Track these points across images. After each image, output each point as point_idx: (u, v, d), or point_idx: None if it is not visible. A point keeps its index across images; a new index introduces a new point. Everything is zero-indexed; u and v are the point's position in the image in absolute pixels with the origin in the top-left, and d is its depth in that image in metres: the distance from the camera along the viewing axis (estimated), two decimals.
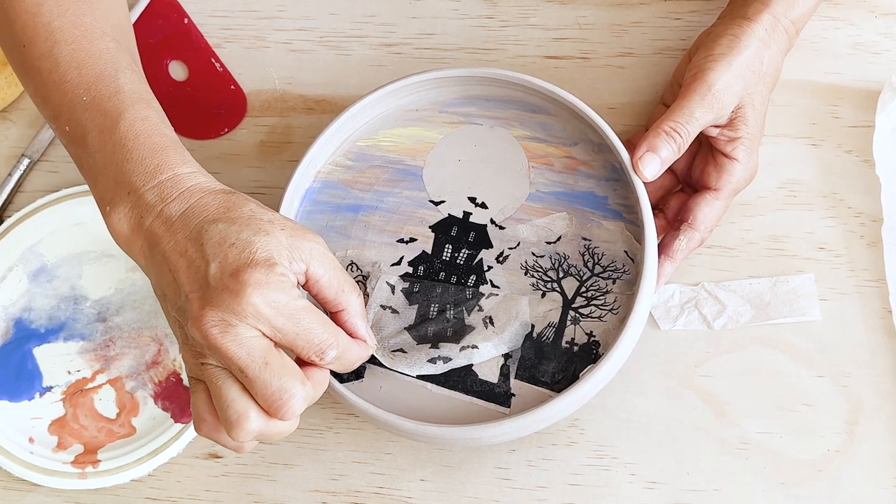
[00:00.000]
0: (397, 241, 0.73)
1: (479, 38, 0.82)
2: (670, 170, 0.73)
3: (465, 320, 0.70)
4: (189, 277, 0.59)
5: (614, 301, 0.70)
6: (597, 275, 0.70)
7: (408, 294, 0.71)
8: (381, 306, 0.71)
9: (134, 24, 0.83)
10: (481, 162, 0.74)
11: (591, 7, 0.81)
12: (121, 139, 0.62)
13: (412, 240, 0.73)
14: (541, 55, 0.81)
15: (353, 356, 0.63)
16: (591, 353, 0.69)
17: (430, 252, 0.73)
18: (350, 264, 0.73)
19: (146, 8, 0.83)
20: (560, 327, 0.70)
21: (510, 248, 0.72)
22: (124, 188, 0.62)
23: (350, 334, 0.64)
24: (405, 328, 0.70)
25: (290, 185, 0.72)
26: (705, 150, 0.73)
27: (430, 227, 0.73)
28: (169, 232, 0.60)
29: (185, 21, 0.83)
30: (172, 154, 0.63)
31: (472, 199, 0.73)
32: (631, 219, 0.71)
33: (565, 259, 0.71)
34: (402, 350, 0.70)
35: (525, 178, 0.73)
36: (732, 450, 0.73)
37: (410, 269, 0.72)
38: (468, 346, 0.69)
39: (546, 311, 0.70)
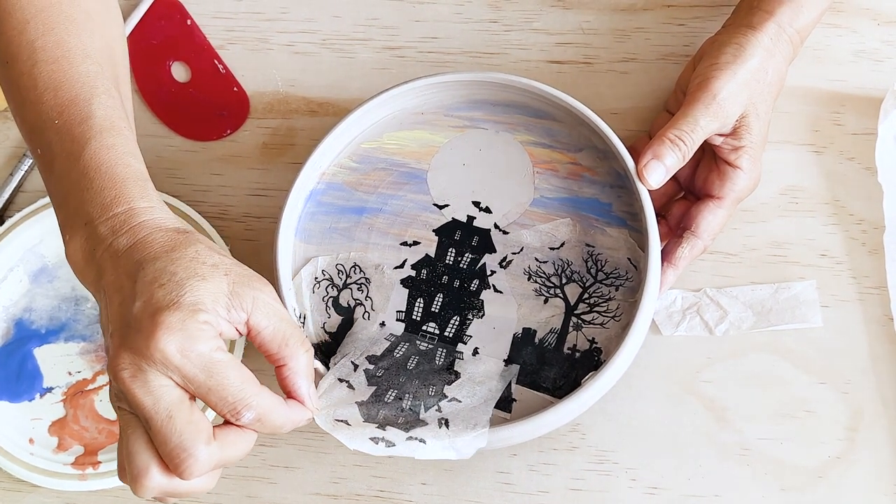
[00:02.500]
0: (401, 244, 0.73)
1: (482, 42, 0.82)
2: (673, 177, 0.73)
3: (420, 415, 0.66)
4: (116, 314, 0.57)
5: (617, 308, 0.70)
6: (600, 281, 0.70)
7: (369, 376, 0.68)
8: (339, 379, 0.67)
9: (137, 26, 0.83)
10: (486, 166, 0.74)
11: (594, 12, 0.81)
12: (84, 168, 0.61)
13: (416, 243, 0.73)
14: (544, 60, 0.81)
15: (278, 419, 0.58)
16: (592, 360, 0.69)
17: (433, 256, 0.73)
18: (353, 266, 0.73)
19: (149, 9, 0.83)
20: (562, 333, 0.70)
21: (513, 254, 0.72)
22: (82, 218, 0.60)
23: (288, 393, 0.60)
24: (356, 402, 0.66)
25: (294, 186, 0.72)
26: (709, 159, 0.73)
27: (433, 230, 0.73)
28: (113, 266, 0.58)
29: (188, 22, 0.83)
30: (132, 186, 0.61)
31: (477, 204, 0.73)
32: (635, 226, 0.71)
33: (568, 265, 0.71)
34: (346, 422, 0.64)
35: (529, 184, 0.73)
36: (733, 456, 0.73)
37: (413, 273, 0.72)
38: (415, 438, 0.64)
39: (548, 316, 0.71)
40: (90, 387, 0.78)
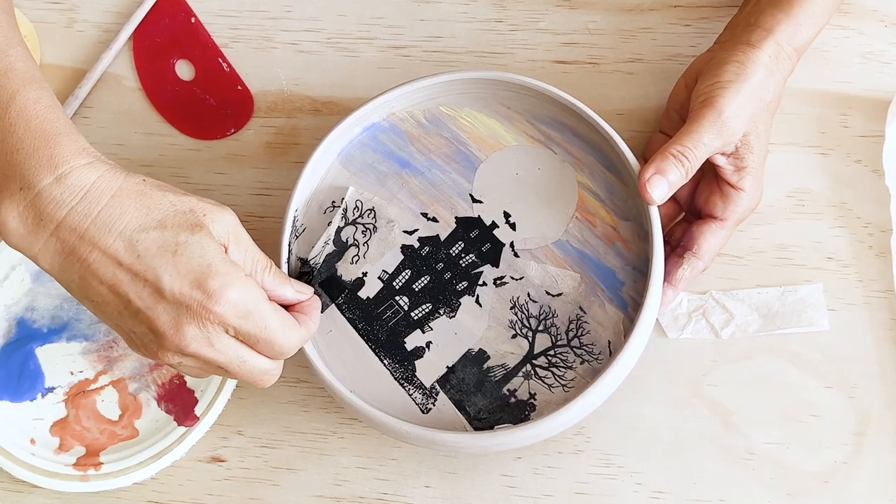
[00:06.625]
0: (421, 213, 0.73)
1: (487, 41, 0.81)
2: (673, 198, 0.73)
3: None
4: (138, 294, 0.58)
5: (572, 379, 0.69)
6: (572, 347, 0.70)
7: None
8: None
9: (141, 23, 0.82)
10: (534, 186, 0.73)
11: (600, 12, 0.81)
12: (10, 125, 0.58)
13: (434, 219, 0.73)
14: (549, 60, 0.80)
15: (292, 341, 0.64)
16: (521, 413, 0.69)
17: (442, 239, 0.72)
18: (370, 210, 0.73)
19: (153, 7, 0.83)
20: (510, 373, 0.69)
21: (512, 278, 0.71)
22: (15, 182, 0.57)
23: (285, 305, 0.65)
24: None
25: (358, 110, 0.73)
26: (709, 179, 0.72)
27: (455, 217, 0.73)
28: (86, 240, 0.57)
29: (193, 20, 0.83)
30: (66, 143, 0.58)
31: (507, 215, 0.72)
32: (632, 314, 0.69)
33: (553, 316, 0.70)
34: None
35: (564, 224, 0.72)
36: (739, 460, 0.73)
37: (416, 245, 0.72)
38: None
39: (508, 351, 0.70)
40: (92, 387, 0.78)
